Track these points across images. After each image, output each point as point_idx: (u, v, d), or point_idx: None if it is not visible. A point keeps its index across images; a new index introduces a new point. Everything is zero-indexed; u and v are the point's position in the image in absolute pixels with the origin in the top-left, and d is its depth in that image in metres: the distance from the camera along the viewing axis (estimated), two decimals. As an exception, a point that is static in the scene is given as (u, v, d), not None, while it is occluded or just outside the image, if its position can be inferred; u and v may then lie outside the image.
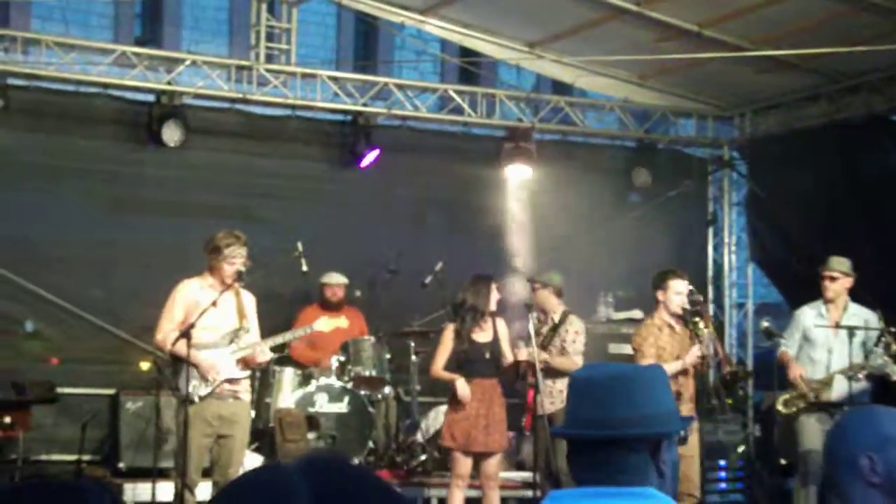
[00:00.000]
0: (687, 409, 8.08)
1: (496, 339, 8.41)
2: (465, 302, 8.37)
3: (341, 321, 9.39)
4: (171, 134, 10.46)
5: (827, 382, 8.53)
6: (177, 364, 7.74)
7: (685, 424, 2.69)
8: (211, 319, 7.71)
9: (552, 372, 8.89)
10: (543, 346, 9.06)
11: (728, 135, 12.96)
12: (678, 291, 8.14)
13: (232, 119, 11.21)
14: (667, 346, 8.07)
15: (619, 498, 2.41)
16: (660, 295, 8.19)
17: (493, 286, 8.50)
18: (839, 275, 8.72)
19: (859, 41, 9.79)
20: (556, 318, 9.20)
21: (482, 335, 8.37)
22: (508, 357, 8.48)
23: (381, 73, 12.85)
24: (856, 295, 8.89)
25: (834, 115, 11.44)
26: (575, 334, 9.08)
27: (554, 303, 9.25)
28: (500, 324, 8.48)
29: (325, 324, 8.59)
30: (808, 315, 8.73)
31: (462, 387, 8.24)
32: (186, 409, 7.57)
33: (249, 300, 7.94)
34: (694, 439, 8.25)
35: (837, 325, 8.63)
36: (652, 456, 2.47)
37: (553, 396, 8.86)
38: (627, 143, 12.77)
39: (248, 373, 7.89)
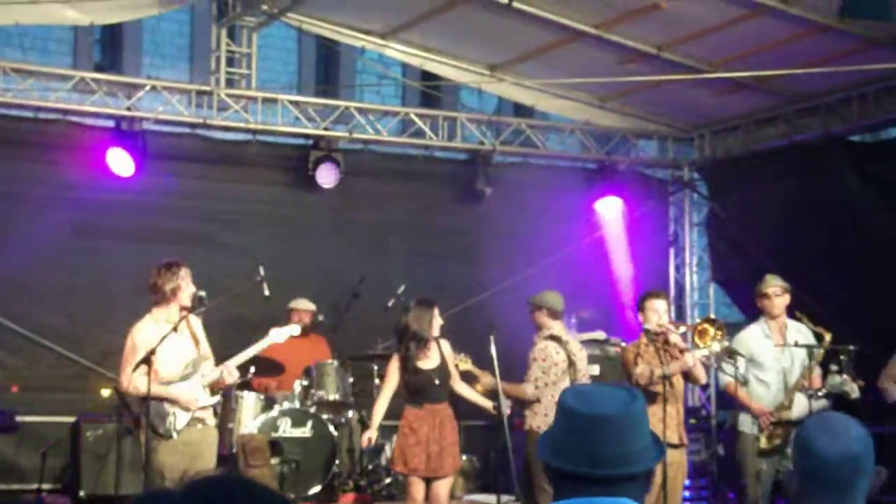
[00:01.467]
0: (676, 434, 8.14)
1: (443, 363, 8.34)
2: (407, 328, 8.29)
3: (293, 329, 9.34)
4: (123, 163, 10.46)
5: (787, 406, 8.55)
6: (147, 401, 7.67)
7: (663, 448, 2.76)
8: (172, 351, 7.65)
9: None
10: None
11: (688, 156, 13.06)
12: (655, 310, 8.20)
13: (192, 144, 11.18)
14: (652, 359, 8.12)
15: None
16: (640, 316, 8.26)
17: (436, 311, 8.42)
18: (781, 290, 8.76)
19: (816, 63, 9.91)
20: (538, 338, 9.10)
21: (427, 362, 8.27)
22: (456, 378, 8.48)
23: (343, 98, 12.87)
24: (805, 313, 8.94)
25: (792, 136, 11.56)
26: (532, 360, 8.98)
27: (548, 325, 9.09)
28: (445, 345, 8.42)
29: (280, 334, 8.53)
30: (756, 337, 8.72)
31: (367, 438, 8.40)
32: (149, 444, 7.55)
33: (197, 322, 7.89)
34: (683, 462, 8.32)
35: (797, 345, 8.65)
36: (647, 479, 2.56)
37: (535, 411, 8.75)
38: (589, 165, 12.83)
39: (218, 398, 7.86)
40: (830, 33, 9.74)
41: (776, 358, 8.62)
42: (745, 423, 8.66)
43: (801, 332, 8.68)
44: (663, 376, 8.00)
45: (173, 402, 7.54)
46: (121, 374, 7.67)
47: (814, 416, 2.98)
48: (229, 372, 7.75)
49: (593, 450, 2.50)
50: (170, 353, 7.60)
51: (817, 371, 8.64)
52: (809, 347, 8.53)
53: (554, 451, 2.58)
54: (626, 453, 2.51)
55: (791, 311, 8.76)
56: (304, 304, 10.62)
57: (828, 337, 8.51)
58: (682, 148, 13.09)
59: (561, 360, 8.98)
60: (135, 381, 7.49)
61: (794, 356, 8.58)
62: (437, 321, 8.34)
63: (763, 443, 8.55)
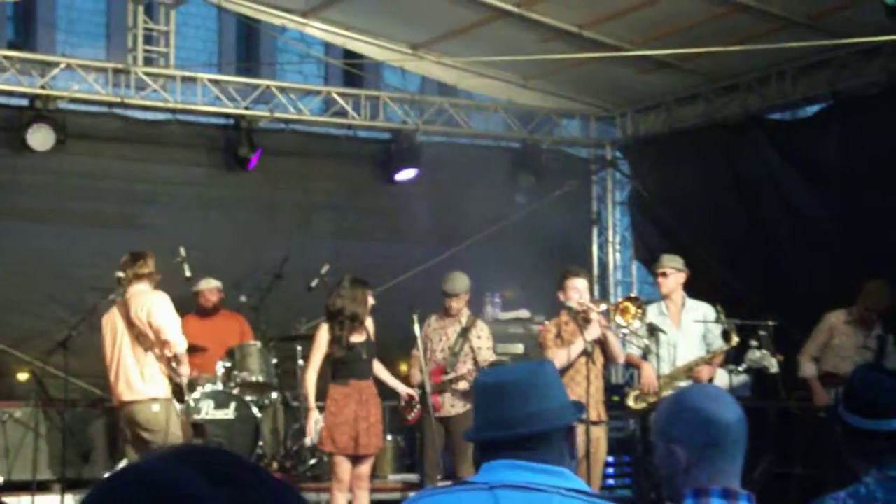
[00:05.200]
0: (595, 412, 8.19)
1: (369, 339, 8.40)
2: (343, 309, 8.28)
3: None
4: (42, 139, 10.21)
5: (674, 377, 8.69)
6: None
7: (582, 410, 2.91)
8: None
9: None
10: (454, 353, 9.08)
11: (610, 135, 13.12)
12: (576, 288, 8.23)
13: (110, 123, 10.96)
14: (572, 336, 8.18)
15: (540, 472, 2.56)
16: (560, 295, 8.29)
17: (370, 292, 8.47)
18: (671, 271, 8.94)
19: (734, 42, 9.99)
20: (464, 321, 9.19)
21: (356, 336, 8.33)
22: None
23: (264, 76, 12.73)
24: (697, 290, 9.07)
25: (712, 115, 11.66)
26: (487, 340, 9.16)
27: (466, 307, 9.23)
28: (370, 322, 8.46)
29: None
30: (651, 313, 8.89)
31: (316, 420, 8.32)
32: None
33: None
34: (603, 437, 8.40)
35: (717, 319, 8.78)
36: (566, 441, 2.67)
37: (455, 400, 9.02)
38: (512, 144, 12.84)
39: None
40: (749, 13, 9.82)
41: (670, 333, 8.80)
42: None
43: (698, 311, 8.84)
44: (586, 353, 8.05)
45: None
46: (177, 337, 8.05)
47: (690, 390, 3.05)
48: None
49: (498, 415, 2.63)
50: None
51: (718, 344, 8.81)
52: (706, 322, 8.75)
53: (473, 429, 2.73)
54: (530, 414, 2.62)
55: (714, 300, 8.91)
56: (209, 284, 10.45)
57: (735, 341, 8.67)
58: (604, 127, 13.14)
59: None
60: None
61: (688, 334, 8.77)
62: (370, 301, 8.38)
63: (631, 400, 8.75)
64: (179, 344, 8.04)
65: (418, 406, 8.96)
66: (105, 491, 1.13)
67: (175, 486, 1.09)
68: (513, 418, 2.60)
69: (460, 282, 9.18)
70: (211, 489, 1.09)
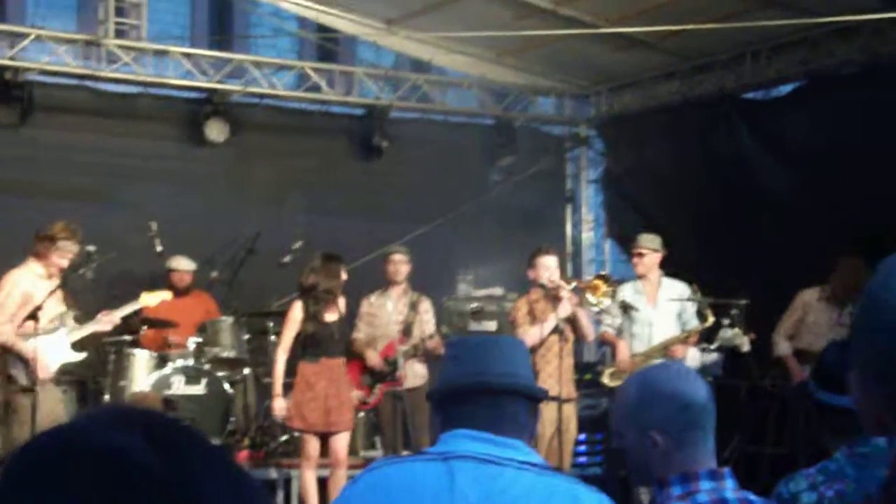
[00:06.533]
0: (566, 390, 8.19)
1: (342, 317, 8.37)
2: (316, 284, 8.23)
3: (165, 294, 9.22)
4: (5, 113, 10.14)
5: (650, 355, 8.69)
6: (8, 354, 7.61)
7: (547, 394, 2.92)
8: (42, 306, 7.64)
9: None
10: (409, 324, 9.11)
11: (585, 113, 13.10)
12: (546, 266, 8.24)
13: (81, 96, 10.87)
14: (543, 314, 8.20)
15: (496, 444, 2.53)
16: (530, 273, 8.30)
17: (343, 267, 8.44)
18: (647, 251, 8.93)
19: (709, 20, 9.97)
20: (414, 296, 9.25)
21: (329, 315, 8.30)
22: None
23: (238, 50, 12.63)
24: (669, 268, 9.07)
25: (687, 94, 11.65)
26: (433, 316, 9.33)
27: (408, 271, 9.33)
28: (342, 302, 8.43)
29: (150, 299, 8.47)
30: (627, 292, 8.89)
31: (280, 408, 8.30)
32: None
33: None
34: (574, 418, 8.41)
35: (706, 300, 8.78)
36: (530, 417, 2.64)
37: (416, 371, 9.10)
38: (486, 121, 12.80)
39: (84, 355, 7.92)
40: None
41: (646, 312, 8.81)
42: None
43: (674, 289, 8.85)
44: (558, 330, 8.05)
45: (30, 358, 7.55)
46: None
47: (656, 372, 2.90)
48: (106, 321, 7.98)
49: (482, 365, 2.62)
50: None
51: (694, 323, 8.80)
52: (682, 300, 8.74)
53: (442, 381, 2.70)
54: (512, 372, 2.62)
55: (687, 278, 8.91)
56: (183, 265, 10.33)
57: (710, 320, 8.68)
58: (578, 105, 13.12)
59: None
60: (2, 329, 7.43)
61: (664, 312, 8.77)
62: (343, 276, 8.36)
63: (606, 378, 8.76)
64: None
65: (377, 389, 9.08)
66: (34, 458, 0.99)
67: (120, 451, 0.97)
68: (488, 370, 2.60)
69: (404, 249, 9.32)
70: (156, 456, 0.98)
